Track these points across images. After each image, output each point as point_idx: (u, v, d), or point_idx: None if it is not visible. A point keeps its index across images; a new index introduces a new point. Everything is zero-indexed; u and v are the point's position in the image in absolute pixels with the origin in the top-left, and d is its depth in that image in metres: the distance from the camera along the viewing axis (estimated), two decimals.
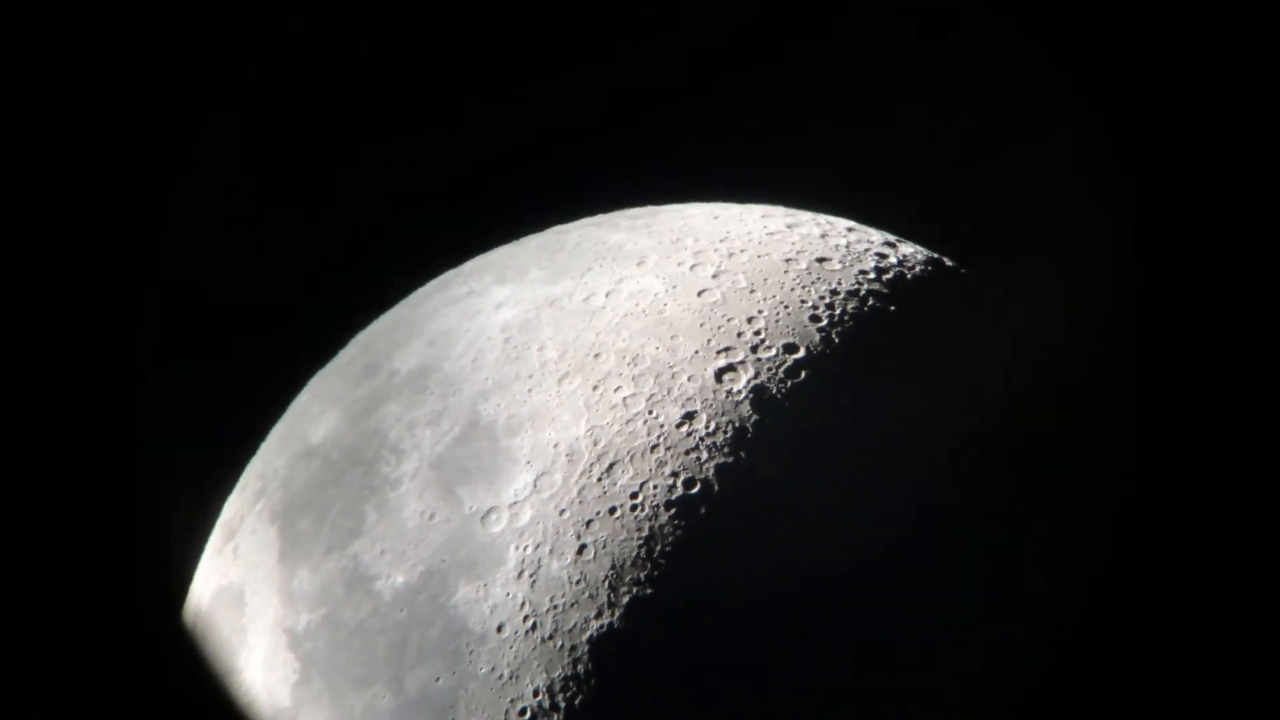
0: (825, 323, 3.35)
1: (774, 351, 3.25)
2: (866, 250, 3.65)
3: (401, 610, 3.09)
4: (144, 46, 4.58)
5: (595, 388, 3.22)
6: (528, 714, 2.94)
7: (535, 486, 3.10)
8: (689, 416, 3.14)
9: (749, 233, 3.66)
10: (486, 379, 3.34)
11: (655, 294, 3.42)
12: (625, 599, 2.95)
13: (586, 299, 3.47)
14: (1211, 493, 4.19)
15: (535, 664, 2.95)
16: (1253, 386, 4.41)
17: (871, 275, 3.54)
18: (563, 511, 3.06)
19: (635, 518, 3.02)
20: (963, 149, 5.42)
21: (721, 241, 3.61)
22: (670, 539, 2.98)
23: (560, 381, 3.26)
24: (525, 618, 2.98)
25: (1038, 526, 3.25)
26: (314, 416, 3.65)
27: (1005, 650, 3.12)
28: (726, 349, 3.26)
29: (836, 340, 3.31)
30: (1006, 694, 3.10)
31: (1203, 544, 4.07)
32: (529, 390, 3.27)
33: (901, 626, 2.98)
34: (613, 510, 3.04)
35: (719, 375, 3.20)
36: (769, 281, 3.44)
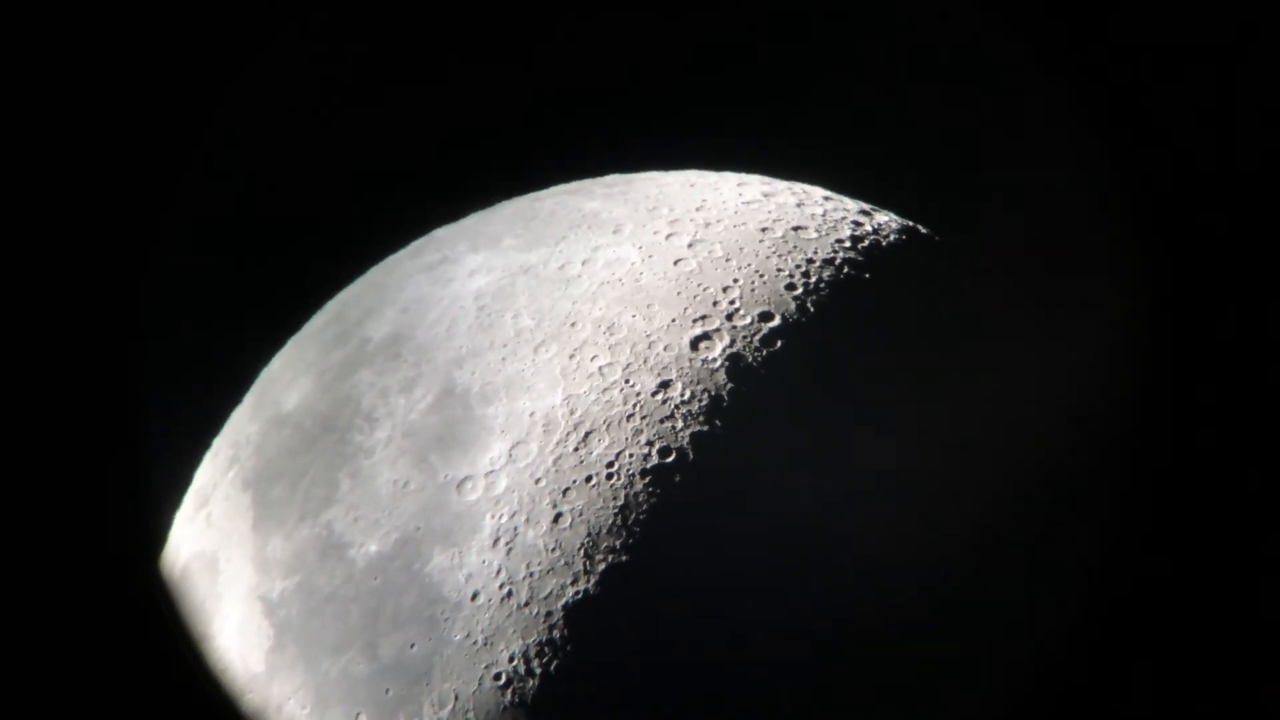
0: (801, 291, 3.35)
1: (750, 320, 3.26)
2: (842, 219, 3.66)
3: (376, 578, 3.08)
4: (131, 31, 4.50)
5: (571, 356, 3.21)
6: (502, 679, 2.96)
7: (510, 455, 3.10)
8: (665, 385, 3.14)
9: (725, 201, 3.65)
10: (460, 347, 3.33)
11: (631, 262, 3.41)
12: (601, 566, 2.96)
13: (562, 267, 3.45)
14: (1213, 494, 4.17)
15: (510, 630, 2.96)
16: (1254, 387, 4.38)
17: (847, 244, 3.54)
18: (538, 480, 3.06)
19: (611, 486, 3.03)
20: (944, 124, 5.43)
21: (697, 210, 3.60)
22: (645, 507, 3.00)
23: (536, 350, 3.25)
24: (501, 585, 2.99)
25: (1018, 495, 3.29)
26: (286, 383, 3.62)
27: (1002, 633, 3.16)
28: (702, 317, 3.26)
29: (812, 309, 3.31)
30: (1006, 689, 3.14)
31: (1206, 547, 4.07)
32: (503, 359, 3.26)
33: (879, 591, 3.01)
34: (589, 479, 3.04)
35: (695, 344, 3.21)
36: (745, 250, 3.44)
